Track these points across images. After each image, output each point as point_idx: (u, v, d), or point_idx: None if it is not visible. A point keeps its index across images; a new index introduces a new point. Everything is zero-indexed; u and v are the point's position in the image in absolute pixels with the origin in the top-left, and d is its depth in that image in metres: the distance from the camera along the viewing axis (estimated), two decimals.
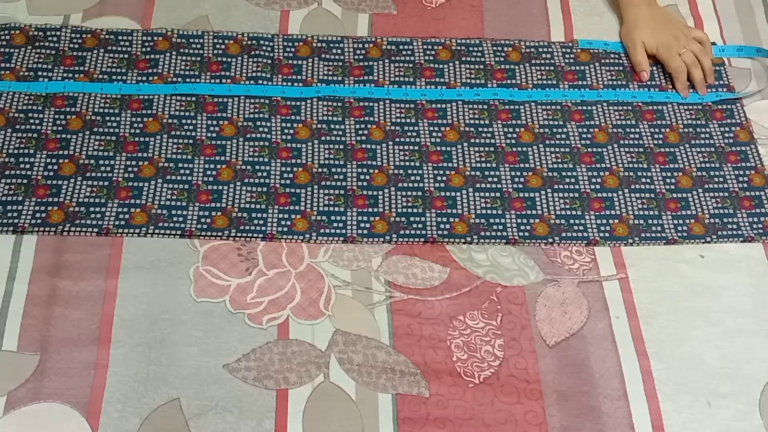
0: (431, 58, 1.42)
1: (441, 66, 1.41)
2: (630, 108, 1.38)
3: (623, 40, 1.47)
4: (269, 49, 1.41)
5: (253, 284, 1.18)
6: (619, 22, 1.50)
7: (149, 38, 1.40)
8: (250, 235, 1.22)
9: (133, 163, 1.26)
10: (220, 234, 1.21)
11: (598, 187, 1.30)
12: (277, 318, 1.15)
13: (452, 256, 1.23)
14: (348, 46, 1.42)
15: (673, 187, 1.31)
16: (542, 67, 1.43)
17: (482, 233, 1.24)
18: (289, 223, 1.23)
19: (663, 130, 1.36)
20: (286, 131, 1.32)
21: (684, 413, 1.12)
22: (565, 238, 1.25)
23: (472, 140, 1.33)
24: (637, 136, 1.36)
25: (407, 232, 1.24)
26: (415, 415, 1.09)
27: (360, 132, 1.33)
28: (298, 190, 1.26)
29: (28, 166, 1.25)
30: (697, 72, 1.41)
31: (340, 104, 1.36)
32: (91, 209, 1.22)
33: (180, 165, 1.27)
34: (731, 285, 1.23)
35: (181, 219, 1.22)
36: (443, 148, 1.32)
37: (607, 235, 1.26)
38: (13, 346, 1.11)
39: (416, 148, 1.32)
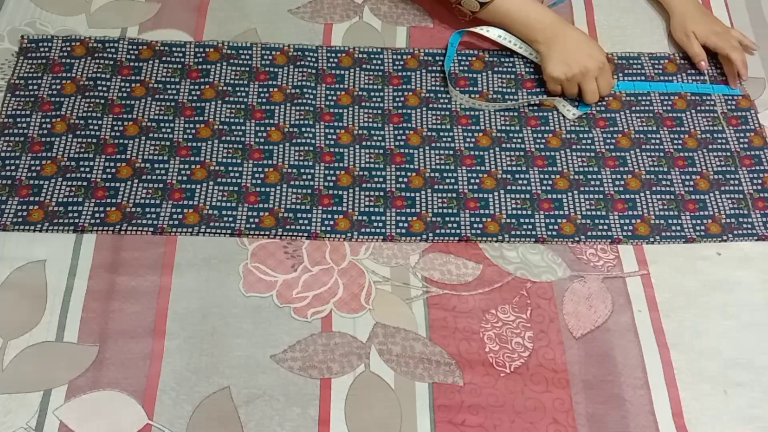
0: (465, 68, 1.43)
1: (474, 75, 1.43)
2: (651, 115, 1.40)
3: (675, 34, 1.49)
4: (314, 59, 1.42)
5: (298, 280, 1.20)
6: (667, 24, 1.53)
7: (201, 50, 1.42)
8: (295, 234, 1.24)
9: (187, 166, 1.28)
10: (267, 233, 1.23)
11: (621, 189, 1.32)
12: (321, 311, 1.18)
13: (485, 254, 1.25)
14: (387, 57, 1.44)
15: (691, 189, 1.32)
16: None
17: (513, 232, 1.26)
18: (332, 222, 1.25)
19: (682, 135, 1.38)
20: (329, 137, 1.33)
21: (702, 401, 1.14)
22: (591, 236, 1.27)
23: (504, 145, 1.35)
24: (657, 141, 1.37)
25: (443, 231, 1.25)
26: (450, 403, 1.12)
27: (398, 137, 1.34)
28: (340, 192, 1.28)
29: (87, 169, 1.27)
30: (740, 56, 1.43)
31: (380, 112, 1.37)
32: (147, 210, 1.24)
33: (230, 168, 1.28)
34: (746, 281, 1.25)
35: (231, 219, 1.24)
36: (476, 152, 1.33)
37: (629, 234, 1.27)
38: (74, 338, 1.13)
39: (451, 152, 1.33)
